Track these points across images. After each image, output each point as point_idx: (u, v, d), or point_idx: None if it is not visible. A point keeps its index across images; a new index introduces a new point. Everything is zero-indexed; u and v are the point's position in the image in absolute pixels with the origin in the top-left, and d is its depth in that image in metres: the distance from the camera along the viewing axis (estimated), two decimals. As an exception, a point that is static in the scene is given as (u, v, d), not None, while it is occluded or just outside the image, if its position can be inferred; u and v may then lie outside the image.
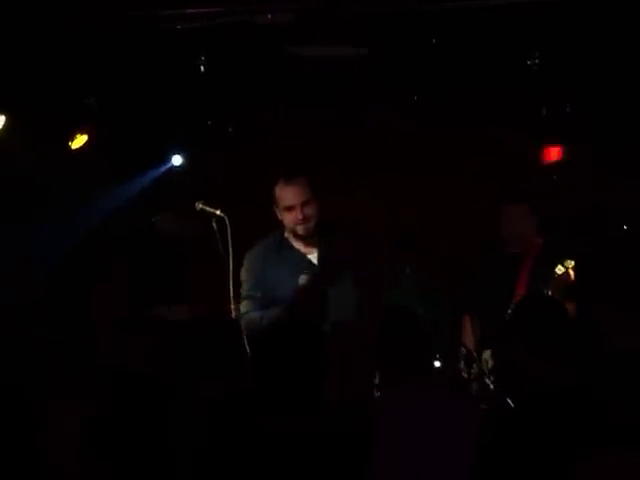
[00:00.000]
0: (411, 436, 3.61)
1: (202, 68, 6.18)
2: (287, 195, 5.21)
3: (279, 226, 5.38)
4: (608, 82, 6.20)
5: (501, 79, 6.27)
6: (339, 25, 5.77)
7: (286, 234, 5.34)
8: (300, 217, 5.19)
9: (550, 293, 5.23)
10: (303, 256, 5.30)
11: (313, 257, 5.32)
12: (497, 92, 6.41)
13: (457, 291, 6.20)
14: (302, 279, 5.16)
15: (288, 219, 5.24)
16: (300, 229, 5.23)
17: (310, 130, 7.09)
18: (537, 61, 6.11)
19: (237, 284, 5.71)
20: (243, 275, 5.39)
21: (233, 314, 5.43)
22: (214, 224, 5.74)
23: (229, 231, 5.69)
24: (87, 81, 6.25)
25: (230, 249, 5.71)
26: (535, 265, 5.58)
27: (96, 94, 6.44)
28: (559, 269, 5.30)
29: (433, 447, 3.60)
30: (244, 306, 5.33)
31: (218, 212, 5.76)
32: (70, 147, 6.57)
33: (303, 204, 5.20)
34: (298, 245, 5.32)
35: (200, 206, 5.81)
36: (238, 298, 5.41)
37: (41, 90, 6.05)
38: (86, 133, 6.57)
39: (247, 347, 4.91)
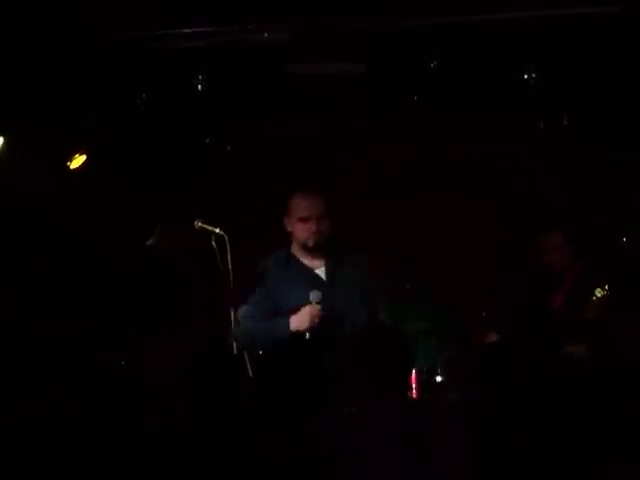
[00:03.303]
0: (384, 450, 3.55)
1: (199, 87, 6.19)
2: (304, 206, 5.28)
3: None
4: (605, 94, 6.21)
5: (498, 93, 6.28)
6: (336, 42, 5.78)
7: (293, 249, 5.38)
8: (314, 229, 5.25)
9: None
10: (310, 270, 5.36)
11: (320, 272, 5.38)
12: (494, 106, 6.42)
13: (467, 307, 6.22)
14: (313, 296, 5.18)
15: (300, 230, 5.30)
16: (311, 242, 5.29)
17: (308, 147, 7.09)
18: (534, 75, 6.11)
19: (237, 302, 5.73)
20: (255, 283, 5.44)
21: (232, 325, 5.47)
22: (213, 242, 5.75)
23: (229, 249, 5.70)
24: (85, 101, 6.25)
25: (230, 267, 5.72)
26: (572, 291, 5.59)
27: (94, 114, 6.44)
28: (598, 292, 5.32)
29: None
30: (245, 310, 5.38)
31: (217, 230, 5.77)
32: (68, 167, 6.56)
33: (318, 217, 5.27)
34: (305, 260, 5.38)
35: (199, 224, 5.81)
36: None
37: (39, 111, 6.05)
38: (84, 153, 6.56)
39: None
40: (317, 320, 5.16)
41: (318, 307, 5.18)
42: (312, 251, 5.32)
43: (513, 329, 5.66)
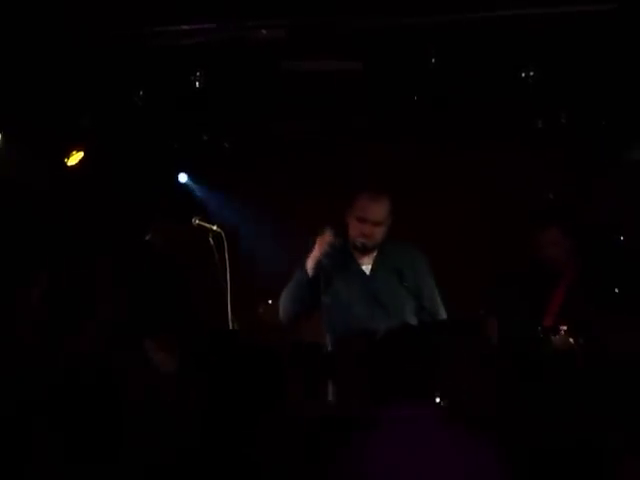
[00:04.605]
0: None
1: (197, 84, 6.18)
2: (365, 207, 5.26)
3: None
4: (603, 92, 6.21)
5: (496, 91, 6.28)
6: (333, 40, 5.78)
7: (348, 243, 5.39)
8: (366, 232, 5.26)
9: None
10: (358, 265, 5.37)
11: (366, 268, 5.39)
12: (492, 104, 6.42)
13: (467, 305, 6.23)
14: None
15: (354, 228, 5.30)
16: (359, 242, 5.30)
17: (304, 145, 7.09)
18: (532, 73, 6.11)
19: (235, 297, 5.74)
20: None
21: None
22: (211, 240, 5.76)
23: (226, 246, 5.71)
24: (82, 99, 6.24)
25: (227, 264, 5.73)
26: (571, 287, 5.60)
27: (91, 111, 6.43)
28: None
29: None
30: (290, 283, 5.39)
31: (215, 227, 5.78)
32: (66, 164, 6.55)
33: (375, 223, 5.26)
34: (355, 254, 5.39)
35: (197, 222, 5.83)
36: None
37: (36, 108, 6.04)
38: (82, 150, 6.55)
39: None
40: (329, 244, 5.19)
41: (328, 235, 5.21)
42: (360, 250, 5.34)
43: (512, 325, 5.67)
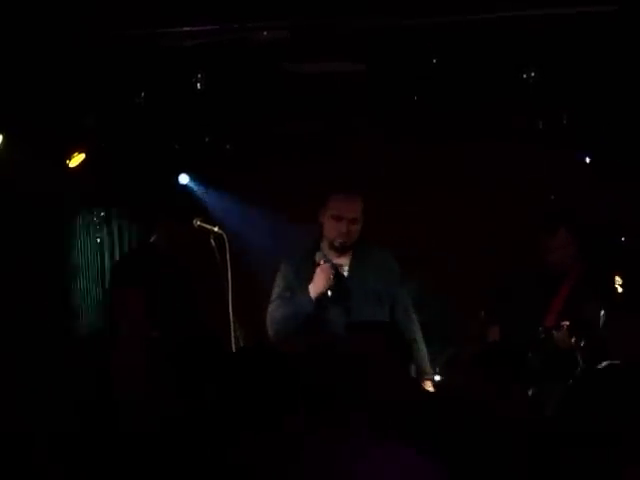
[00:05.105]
0: None
1: (199, 85, 6.19)
2: (339, 205, 5.33)
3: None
4: (604, 92, 6.22)
5: (497, 92, 6.28)
6: (335, 41, 5.79)
7: (322, 244, 5.39)
8: (344, 230, 5.31)
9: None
10: (334, 268, 5.39)
11: (344, 270, 5.42)
12: (493, 106, 6.43)
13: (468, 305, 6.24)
14: (318, 256, 5.28)
15: (330, 228, 5.36)
16: (337, 242, 5.34)
17: (307, 146, 7.10)
18: (533, 74, 6.12)
19: (236, 299, 5.74)
20: (277, 280, 5.52)
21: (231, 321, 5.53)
22: (212, 241, 5.77)
23: (227, 247, 5.72)
24: (84, 100, 6.25)
25: (229, 265, 5.73)
26: (575, 289, 5.62)
27: (93, 112, 6.44)
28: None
29: None
30: (274, 307, 5.45)
31: (216, 229, 5.79)
32: (68, 166, 6.55)
33: (351, 220, 5.30)
34: (331, 256, 5.41)
35: (198, 223, 5.84)
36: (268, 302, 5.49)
37: (39, 109, 6.04)
38: (84, 151, 6.56)
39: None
40: (332, 276, 5.23)
41: (327, 265, 5.24)
42: (338, 249, 5.34)
43: (514, 326, 5.68)
